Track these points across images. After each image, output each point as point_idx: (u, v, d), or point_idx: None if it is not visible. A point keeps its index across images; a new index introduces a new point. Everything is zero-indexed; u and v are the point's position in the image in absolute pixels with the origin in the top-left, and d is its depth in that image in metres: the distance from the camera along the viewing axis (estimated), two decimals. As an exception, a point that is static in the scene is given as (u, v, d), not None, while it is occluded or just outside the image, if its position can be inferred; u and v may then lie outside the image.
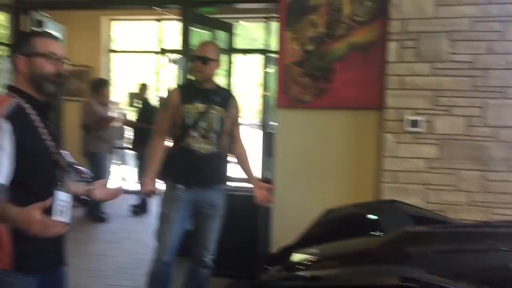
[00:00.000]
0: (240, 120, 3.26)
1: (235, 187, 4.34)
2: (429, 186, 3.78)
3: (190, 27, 4.64)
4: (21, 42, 1.94)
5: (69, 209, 1.93)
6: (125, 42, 8.71)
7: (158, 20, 7.80)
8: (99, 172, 5.68)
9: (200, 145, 3.00)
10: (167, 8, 5.00)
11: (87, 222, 6.06)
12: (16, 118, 1.80)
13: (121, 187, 2.43)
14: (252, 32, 10.79)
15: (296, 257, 2.67)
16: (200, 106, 3.02)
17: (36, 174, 1.86)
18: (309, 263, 2.53)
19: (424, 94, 3.75)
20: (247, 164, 3.24)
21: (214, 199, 3.12)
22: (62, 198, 1.90)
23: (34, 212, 1.61)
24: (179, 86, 3.29)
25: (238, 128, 3.24)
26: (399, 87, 3.81)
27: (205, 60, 3.00)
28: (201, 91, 3.07)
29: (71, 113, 6.57)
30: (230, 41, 5.29)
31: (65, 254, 2.06)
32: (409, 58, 3.77)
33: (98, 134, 6.03)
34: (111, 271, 4.37)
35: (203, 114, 3.01)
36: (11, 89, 1.90)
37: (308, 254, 2.65)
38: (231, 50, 5.35)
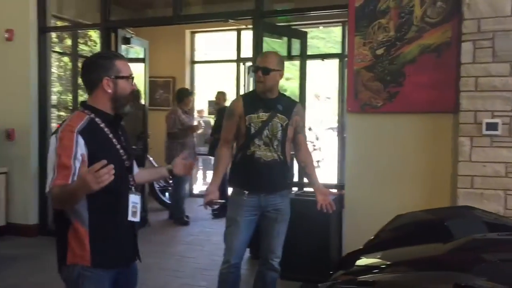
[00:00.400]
0: (304, 128, 3.29)
1: (307, 192, 4.41)
2: (509, 191, 3.60)
3: (263, 37, 4.78)
4: (105, 64, 2.10)
5: (139, 209, 2.17)
6: (207, 53, 9.07)
7: (237, 30, 8.06)
8: (181, 178, 5.98)
9: (263, 153, 3.09)
10: (241, 20, 5.14)
11: (171, 225, 6.40)
12: (89, 132, 2.02)
13: (195, 160, 3.23)
14: (332, 36, 10.78)
15: (360, 262, 2.68)
16: (263, 115, 3.11)
17: (113, 181, 1.97)
18: (372, 269, 2.54)
19: (501, 96, 3.59)
20: (310, 170, 3.28)
21: (278, 203, 3.19)
22: (134, 200, 2.15)
23: (83, 171, 1.82)
24: (242, 96, 3.31)
25: (303, 136, 3.27)
26: (474, 89, 3.67)
27: (266, 71, 3.08)
28: (264, 100, 3.15)
29: (158, 122, 7.00)
30: (303, 48, 5.34)
31: (137, 250, 2.25)
32: (484, 59, 3.62)
33: (182, 141, 6.37)
34: (190, 272, 4.59)
35: (266, 122, 3.09)
36: (84, 106, 2.13)
37: (372, 259, 2.66)
38: (304, 56, 5.40)
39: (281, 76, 3.18)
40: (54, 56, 8.60)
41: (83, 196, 1.92)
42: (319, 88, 15.73)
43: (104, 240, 2.06)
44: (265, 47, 4.85)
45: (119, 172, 2.01)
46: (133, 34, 5.71)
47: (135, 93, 2.12)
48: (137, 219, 2.16)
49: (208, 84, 9.05)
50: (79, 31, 7.20)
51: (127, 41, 5.58)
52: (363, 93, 4.15)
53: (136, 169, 2.39)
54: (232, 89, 8.00)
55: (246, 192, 3.12)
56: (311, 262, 4.15)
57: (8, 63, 5.63)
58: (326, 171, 10.67)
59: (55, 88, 8.78)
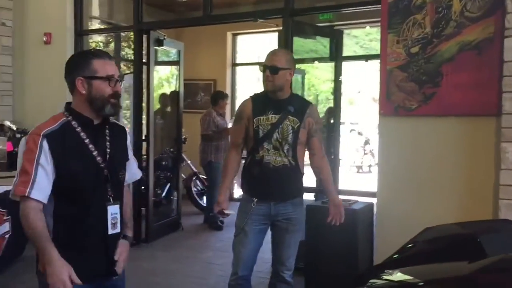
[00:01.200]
0: (319, 131, 3.06)
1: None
2: (559, 204, 3.22)
3: (295, 36, 4.59)
4: (80, 63, 1.97)
5: (119, 219, 2.05)
6: (248, 55, 8.94)
7: (278, 31, 7.87)
8: (216, 181, 5.87)
9: (273, 158, 2.90)
10: (272, 19, 4.97)
11: (204, 230, 6.31)
12: (58, 136, 1.90)
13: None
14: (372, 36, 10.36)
15: (384, 277, 2.46)
16: (273, 117, 2.92)
17: (81, 189, 1.94)
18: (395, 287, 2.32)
19: (549, 97, 3.21)
20: (325, 177, 3.07)
21: (290, 213, 2.99)
22: (113, 211, 2.02)
23: (62, 276, 1.80)
24: (252, 96, 3.10)
25: (317, 139, 3.04)
26: (518, 89, 3.31)
27: (274, 70, 2.89)
28: (274, 101, 2.95)
29: (198, 125, 6.95)
30: (338, 48, 5.09)
31: (112, 264, 2.06)
32: (530, 56, 3.26)
33: (216, 144, 6.28)
34: (214, 279, 4.46)
35: (276, 125, 2.90)
36: (66, 107, 2.01)
37: (395, 275, 2.43)
38: (340, 57, 5.15)
39: (291, 74, 2.98)
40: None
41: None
42: (369, 91, 15.25)
43: (68, 251, 1.90)
44: (296, 48, 4.66)
45: (91, 180, 1.95)
46: (165, 36, 5.65)
47: (117, 95, 2.00)
48: (116, 230, 2.04)
49: (249, 87, 8.92)
50: (123, 34, 7.29)
51: (160, 43, 5.54)
52: (396, 95, 3.87)
53: (133, 176, 2.27)
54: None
55: (255, 199, 2.94)
56: (337, 274, 3.90)
57: (46, 66, 5.74)
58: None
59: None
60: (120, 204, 2.08)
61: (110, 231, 2.01)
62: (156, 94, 6.26)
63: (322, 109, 6.64)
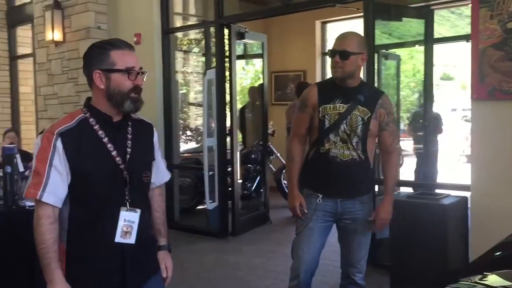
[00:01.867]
0: (391, 123, 2.73)
1: (423, 193, 3.84)
2: None
3: (377, 19, 4.30)
4: (97, 55, 1.80)
5: (135, 229, 1.83)
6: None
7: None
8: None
9: (340, 151, 2.64)
10: (350, 3, 4.70)
11: (292, 223, 6.18)
12: (74, 134, 1.75)
13: None
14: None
15: (471, 279, 2.20)
16: (340, 106, 2.64)
17: (95, 192, 1.78)
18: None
19: None
20: (388, 173, 2.77)
21: (357, 211, 2.72)
22: (128, 218, 1.82)
23: None
24: (318, 84, 2.84)
25: (388, 133, 2.73)
26: None
27: (344, 55, 2.59)
28: (342, 89, 2.67)
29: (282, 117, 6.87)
30: (428, 29, 4.69)
31: (128, 278, 1.85)
32: None
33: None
34: (296, 275, 4.34)
35: (344, 115, 2.63)
36: (85, 103, 1.87)
37: (481, 278, 2.16)
38: (430, 39, 4.74)
39: (364, 60, 2.70)
40: (192, 57, 9.05)
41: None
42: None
43: (81, 262, 1.78)
44: (380, 32, 4.35)
45: (106, 182, 1.78)
46: (246, 28, 5.61)
47: (138, 90, 1.82)
48: (129, 240, 1.81)
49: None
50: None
51: (241, 36, 5.51)
52: (491, 76, 3.45)
53: (161, 178, 2.08)
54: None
55: (320, 195, 2.70)
56: (425, 272, 3.59)
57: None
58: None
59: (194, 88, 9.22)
60: (144, 211, 1.87)
61: (118, 239, 1.80)
62: (246, 87, 6.27)
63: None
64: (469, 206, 3.72)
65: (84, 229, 1.79)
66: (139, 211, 1.84)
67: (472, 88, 3.58)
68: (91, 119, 1.81)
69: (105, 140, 1.80)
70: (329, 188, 2.70)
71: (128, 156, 1.83)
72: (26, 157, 5.70)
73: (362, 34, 4.18)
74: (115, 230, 1.80)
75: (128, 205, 1.82)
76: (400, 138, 7.19)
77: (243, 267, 4.61)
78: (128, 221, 1.81)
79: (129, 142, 1.86)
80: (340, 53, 2.61)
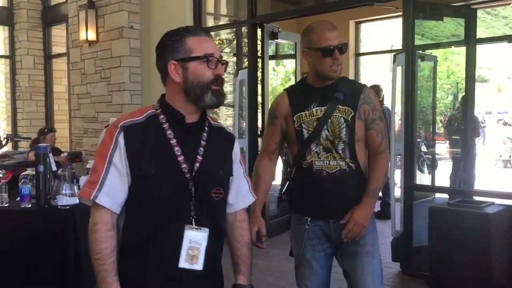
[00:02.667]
0: (378, 120, 2.28)
1: (464, 201, 3.68)
2: None
3: (417, 19, 4.15)
4: (170, 44, 1.56)
5: (203, 252, 1.54)
6: (372, 43, 8.50)
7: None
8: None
9: (325, 163, 2.21)
10: (388, 1, 4.55)
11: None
12: (140, 131, 1.53)
13: None
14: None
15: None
16: (317, 110, 2.22)
17: (155, 201, 1.52)
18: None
19: None
20: (372, 174, 2.28)
21: None
22: (194, 238, 1.53)
23: None
24: (287, 89, 2.41)
25: (375, 131, 2.27)
26: None
27: (344, 48, 2.18)
28: (316, 90, 2.25)
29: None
30: (471, 29, 4.51)
31: None
32: None
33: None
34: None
35: (324, 119, 2.20)
36: (160, 99, 1.63)
37: None
38: (473, 39, 4.55)
39: None
40: (224, 57, 9.00)
41: None
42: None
43: (129, 281, 1.53)
44: (420, 32, 4.20)
45: (169, 191, 1.52)
46: (279, 28, 5.52)
47: (220, 81, 1.57)
48: (195, 266, 1.53)
49: (374, 77, 8.47)
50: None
51: (274, 36, 5.43)
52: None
53: (242, 200, 1.74)
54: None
55: (308, 218, 2.25)
56: (466, 284, 3.44)
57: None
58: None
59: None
60: (214, 232, 1.58)
61: (182, 264, 1.51)
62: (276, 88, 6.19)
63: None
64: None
65: (138, 245, 1.53)
66: (207, 230, 1.55)
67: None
68: (161, 116, 1.57)
69: (173, 142, 1.54)
70: (318, 207, 2.25)
71: (197, 164, 1.55)
72: (56, 151, 5.78)
73: (401, 34, 4.09)
74: (177, 252, 1.52)
75: (194, 222, 1.53)
76: (436, 142, 7.06)
77: (273, 272, 4.51)
78: (194, 242, 1.53)
79: (201, 149, 1.58)
80: (340, 48, 2.17)
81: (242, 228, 1.75)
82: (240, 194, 1.74)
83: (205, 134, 1.61)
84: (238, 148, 1.75)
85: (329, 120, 2.21)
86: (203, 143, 1.59)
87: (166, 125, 1.56)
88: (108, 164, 1.51)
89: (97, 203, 1.50)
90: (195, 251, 1.53)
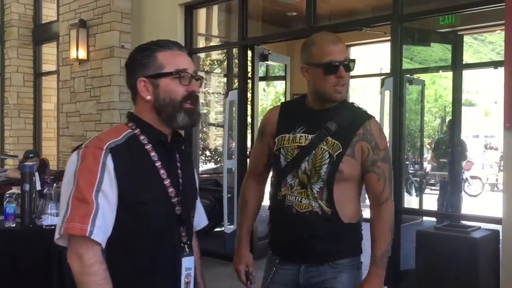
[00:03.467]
0: (381, 162, 1.91)
1: (452, 225, 3.69)
2: None
3: (405, 44, 4.22)
4: (140, 59, 1.45)
5: (193, 277, 1.50)
6: (361, 67, 8.61)
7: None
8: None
9: (297, 199, 1.88)
10: (379, 27, 4.62)
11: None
12: (126, 153, 1.39)
13: None
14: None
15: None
16: (302, 137, 1.90)
17: (150, 233, 1.42)
18: None
19: None
20: (376, 234, 1.93)
21: (328, 281, 1.90)
22: (188, 265, 1.47)
23: None
24: (282, 104, 2.13)
25: (376, 176, 1.91)
26: None
27: (348, 65, 1.84)
28: (309, 112, 1.93)
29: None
30: (457, 55, 4.59)
31: None
32: None
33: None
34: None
35: (306, 150, 1.87)
36: (129, 116, 1.49)
37: None
38: (459, 65, 4.63)
39: None
40: (214, 77, 9.07)
41: None
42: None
43: None
44: (409, 56, 4.26)
45: (161, 218, 1.42)
46: (269, 50, 5.58)
47: (193, 98, 1.46)
48: None
49: (363, 99, 8.56)
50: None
51: (264, 58, 5.48)
52: (525, 105, 3.32)
53: (200, 223, 1.68)
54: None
55: (277, 259, 1.95)
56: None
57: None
58: None
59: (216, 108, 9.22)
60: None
61: None
62: (266, 109, 6.23)
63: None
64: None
65: (130, 283, 1.40)
66: (193, 254, 1.49)
67: (505, 117, 3.44)
68: (141, 137, 1.43)
69: (158, 164, 1.43)
70: (287, 249, 1.94)
71: (181, 187, 1.47)
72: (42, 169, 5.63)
73: (389, 59, 4.15)
74: (178, 283, 1.44)
75: (187, 249, 1.46)
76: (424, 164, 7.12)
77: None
78: (188, 269, 1.46)
79: (179, 171, 1.50)
80: (344, 64, 1.82)
81: (197, 247, 1.67)
82: (199, 215, 1.68)
83: (177, 155, 1.53)
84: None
85: (313, 152, 1.87)
86: (178, 164, 1.51)
87: (149, 147, 1.44)
88: (96, 193, 1.32)
89: (93, 239, 1.31)
90: (189, 278, 1.48)
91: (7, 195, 3.27)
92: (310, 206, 1.87)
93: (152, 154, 1.43)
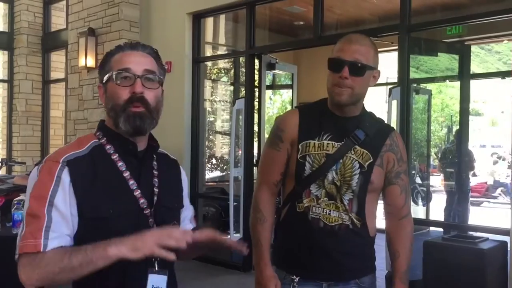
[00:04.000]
0: (403, 174, 1.87)
1: (459, 235, 3.67)
2: None
3: (413, 54, 4.23)
4: (101, 64, 1.41)
5: None
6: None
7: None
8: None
9: (325, 212, 1.77)
10: (384, 37, 4.63)
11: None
12: (86, 165, 1.31)
13: None
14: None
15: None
16: (329, 144, 1.78)
17: None
18: None
19: None
20: (398, 249, 1.85)
21: None
22: (155, 283, 1.31)
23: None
24: (299, 108, 1.97)
25: (399, 188, 1.85)
26: None
27: (358, 68, 1.71)
28: (334, 119, 1.81)
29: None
30: (465, 65, 4.59)
31: None
32: None
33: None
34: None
35: (334, 158, 1.77)
36: (99, 126, 1.42)
37: None
38: (466, 75, 4.63)
39: (376, 79, 1.84)
40: (221, 85, 9.11)
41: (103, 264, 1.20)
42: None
43: None
44: (415, 65, 4.27)
45: (128, 232, 1.26)
46: (276, 59, 5.60)
47: (138, 100, 1.33)
48: None
49: (371, 109, 8.53)
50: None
51: (271, 66, 5.50)
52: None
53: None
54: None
55: (296, 278, 1.80)
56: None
57: (166, 93, 5.99)
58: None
59: (223, 116, 9.25)
60: (171, 274, 1.37)
61: None
62: (272, 117, 6.24)
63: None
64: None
65: None
66: (167, 273, 1.35)
67: (513, 127, 3.44)
68: (107, 146, 1.36)
69: (126, 175, 1.34)
70: (310, 266, 1.79)
71: (155, 198, 1.38)
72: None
73: (396, 69, 4.16)
74: None
75: (156, 265, 1.31)
76: (431, 174, 7.09)
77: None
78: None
79: (156, 180, 1.40)
80: (351, 65, 1.72)
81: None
82: (185, 223, 1.57)
83: (155, 163, 1.43)
84: (184, 174, 1.58)
85: (341, 161, 1.77)
86: (155, 173, 1.41)
87: (115, 156, 1.35)
88: (49, 207, 1.24)
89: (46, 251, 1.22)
90: None
91: (15, 202, 3.29)
92: (341, 219, 1.77)
93: (120, 164, 1.35)
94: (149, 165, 1.41)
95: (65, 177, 1.27)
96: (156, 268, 1.31)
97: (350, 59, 1.72)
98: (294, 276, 1.80)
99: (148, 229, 1.29)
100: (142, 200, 1.35)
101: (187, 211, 1.58)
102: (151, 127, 1.37)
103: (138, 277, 1.31)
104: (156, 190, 1.39)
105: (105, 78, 1.36)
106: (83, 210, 1.28)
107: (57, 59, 8.20)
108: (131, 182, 1.34)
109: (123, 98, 1.32)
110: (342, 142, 1.79)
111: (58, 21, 8.20)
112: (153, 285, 1.31)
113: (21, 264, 1.24)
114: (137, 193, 1.34)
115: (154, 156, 1.45)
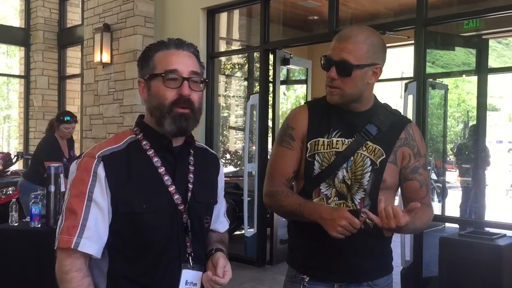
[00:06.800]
0: (422, 168, 1.75)
1: (475, 232, 3.63)
2: None
3: (429, 48, 4.18)
4: (142, 58, 1.40)
5: None
6: (383, 71, 8.53)
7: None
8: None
9: None
10: (400, 31, 4.59)
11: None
12: (122, 160, 1.33)
13: None
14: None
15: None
16: (339, 142, 1.69)
17: (148, 241, 1.33)
18: None
19: None
20: (418, 213, 1.61)
21: None
22: (190, 279, 1.34)
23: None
24: (309, 104, 1.83)
25: (419, 182, 1.74)
26: None
27: (344, 69, 1.61)
28: (344, 114, 1.71)
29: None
30: (482, 60, 4.52)
31: None
32: None
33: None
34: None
35: (345, 156, 1.68)
36: (138, 121, 1.43)
37: None
38: (484, 69, 4.57)
39: (377, 74, 1.68)
40: (235, 81, 9.12)
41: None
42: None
43: None
44: (431, 60, 4.22)
45: (162, 228, 1.33)
46: (291, 54, 5.58)
47: (184, 102, 1.33)
48: None
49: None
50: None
51: (286, 61, 5.48)
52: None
53: (218, 226, 1.58)
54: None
55: (306, 278, 1.75)
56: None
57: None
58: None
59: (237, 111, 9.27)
60: (205, 271, 1.38)
61: None
62: (286, 112, 6.22)
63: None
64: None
65: None
66: (202, 269, 1.37)
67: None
68: (144, 142, 1.37)
69: (162, 170, 1.35)
70: (320, 266, 1.73)
71: (189, 194, 1.38)
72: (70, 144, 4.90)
73: (412, 63, 4.12)
74: None
75: (191, 261, 1.34)
76: (447, 170, 7.01)
77: (280, 298, 4.46)
78: (190, 284, 1.33)
79: (191, 175, 1.40)
80: (338, 65, 1.62)
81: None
82: (219, 220, 1.58)
83: (192, 158, 1.43)
84: (222, 170, 1.58)
85: (352, 158, 1.68)
86: (191, 168, 1.41)
87: (151, 152, 1.36)
88: (88, 203, 1.29)
89: (78, 250, 1.28)
90: None
91: (33, 196, 3.34)
92: None
93: (155, 159, 1.36)
94: (185, 161, 1.42)
95: (101, 171, 1.30)
96: (190, 263, 1.34)
97: (337, 59, 1.63)
98: (305, 276, 1.75)
99: (182, 226, 1.34)
100: (176, 196, 1.36)
101: (220, 205, 1.58)
102: (194, 127, 1.38)
103: (170, 272, 1.34)
104: (190, 186, 1.39)
105: (149, 75, 1.36)
106: (117, 205, 1.31)
107: (73, 54, 8.29)
108: (166, 177, 1.36)
109: (170, 100, 1.33)
110: (353, 139, 1.70)
111: (73, 17, 8.28)
112: (186, 281, 1.33)
113: (57, 257, 1.31)
114: (172, 188, 1.36)
115: (192, 151, 1.45)
